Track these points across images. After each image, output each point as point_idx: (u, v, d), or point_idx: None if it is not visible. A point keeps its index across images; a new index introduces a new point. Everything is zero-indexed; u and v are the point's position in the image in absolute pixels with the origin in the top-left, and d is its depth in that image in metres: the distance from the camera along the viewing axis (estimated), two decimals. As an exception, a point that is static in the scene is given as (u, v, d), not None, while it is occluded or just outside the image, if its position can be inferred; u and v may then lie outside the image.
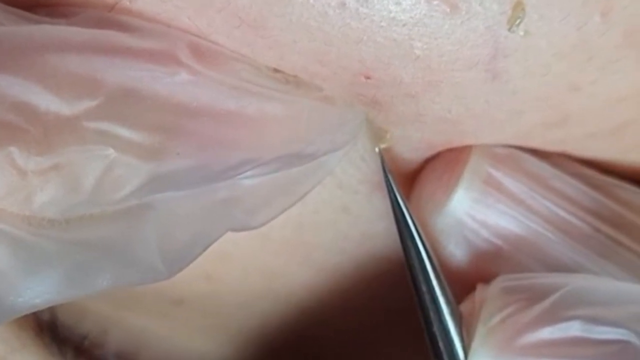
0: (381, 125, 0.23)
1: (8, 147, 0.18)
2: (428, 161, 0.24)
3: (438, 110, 0.22)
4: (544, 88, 0.21)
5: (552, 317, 0.21)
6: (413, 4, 0.20)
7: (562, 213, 0.23)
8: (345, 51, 0.21)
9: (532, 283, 0.22)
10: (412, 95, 0.21)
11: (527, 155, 0.23)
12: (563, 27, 0.20)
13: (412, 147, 0.24)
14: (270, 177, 0.22)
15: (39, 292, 0.19)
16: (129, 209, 0.20)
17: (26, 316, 0.25)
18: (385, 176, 0.23)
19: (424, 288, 0.22)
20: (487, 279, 0.23)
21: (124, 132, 0.19)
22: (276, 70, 0.21)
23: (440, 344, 0.22)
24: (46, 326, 0.27)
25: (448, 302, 0.22)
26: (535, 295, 0.21)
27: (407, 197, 0.24)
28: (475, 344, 0.21)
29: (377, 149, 0.23)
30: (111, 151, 0.19)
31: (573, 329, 0.21)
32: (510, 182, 0.23)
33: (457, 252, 0.23)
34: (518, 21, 0.20)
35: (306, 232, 0.25)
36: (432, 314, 0.22)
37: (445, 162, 0.24)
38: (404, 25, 0.20)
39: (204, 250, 0.21)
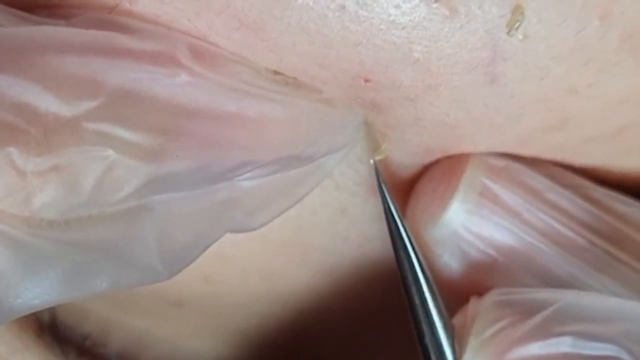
0: (380, 128, 0.23)
1: (7, 148, 0.18)
2: (424, 171, 0.24)
3: (437, 114, 0.22)
4: (542, 91, 0.21)
5: (543, 332, 0.21)
6: (412, 7, 0.20)
7: (557, 226, 0.23)
8: (344, 54, 0.21)
9: (525, 298, 0.22)
10: (411, 98, 0.21)
11: (523, 167, 0.23)
12: (562, 31, 0.20)
13: (410, 151, 0.24)
14: (269, 178, 0.22)
15: (37, 293, 0.19)
16: (129, 210, 0.20)
17: (27, 317, 0.25)
18: (380, 187, 0.23)
19: (416, 300, 0.22)
20: (481, 290, 0.23)
21: (124, 134, 0.19)
22: (276, 73, 0.21)
23: (432, 356, 0.22)
24: (47, 327, 0.27)
25: (440, 315, 0.22)
26: (527, 310, 0.21)
27: (403, 207, 0.24)
28: (467, 357, 0.21)
29: (372, 160, 0.23)
30: (111, 152, 0.19)
31: (564, 344, 0.21)
32: (506, 194, 0.23)
33: (451, 263, 0.23)
34: (517, 25, 0.20)
35: (305, 233, 0.25)
36: (424, 326, 0.22)
37: (441, 172, 0.24)
38: (403, 28, 0.20)
39: (203, 251, 0.21)
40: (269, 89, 0.21)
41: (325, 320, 0.28)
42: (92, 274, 0.20)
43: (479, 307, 0.22)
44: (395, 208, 0.23)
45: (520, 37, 0.20)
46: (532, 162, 0.24)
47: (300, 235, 0.25)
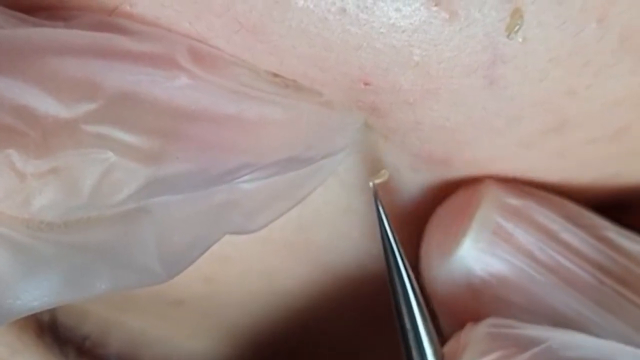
0: (380, 131, 0.23)
1: (7, 150, 0.18)
2: (437, 208, 0.24)
3: (436, 118, 0.22)
4: (541, 93, 0.22)
5: None
6: (413, 11, 0.20)
7: (568, 265, 0.23)
8: (344, 57, 0.21)
9: (518, 333, 0.22)
10: (410, 102, 0.21)
11: (537, 206, 0.23)
12: (560, 34, 0.20)
13: (411, 161, 0.24)
14: (268, 180, 0.22)
15: (37, 294, 0.19)
16: (128, 213, 0.20)
17: (27, 318, 0.25)
18: (377, 211, 0.23)
19: (408, 326, 0.22)
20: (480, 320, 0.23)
21: (123, 136, 0.19)
22: (275, 75, 0.21)
23: None
24: (47, 327, 0.27)
25: (431, 342, 0.22)
26: (518, 345, 0.21)
27: (414, 239, 0.24)
28: None
29: (371, 184, 0.23)
30: (110, 154, 0.19)
31: None
32: (519, 234, 0.23)
33: (456, 291, 0.23)
34: (517, 28, 0.20)
35: (306, 232, 0.25)
36: (414, 353, 0.22)
37: (455, 209, 0.24)
38: (403, 31, 0.20)
39: (203, 253, 0.22)
40: (269, 91, 0.21)
41: (327, 319, 0.28)
42: (91, 276, 0.20)
43: (470, 337, 0.22)
44: (391, 230, 0.23)
45: (520, 40, 0.20)
46: (546, 199, 0.24)
47: (302, 234, 0.25)
